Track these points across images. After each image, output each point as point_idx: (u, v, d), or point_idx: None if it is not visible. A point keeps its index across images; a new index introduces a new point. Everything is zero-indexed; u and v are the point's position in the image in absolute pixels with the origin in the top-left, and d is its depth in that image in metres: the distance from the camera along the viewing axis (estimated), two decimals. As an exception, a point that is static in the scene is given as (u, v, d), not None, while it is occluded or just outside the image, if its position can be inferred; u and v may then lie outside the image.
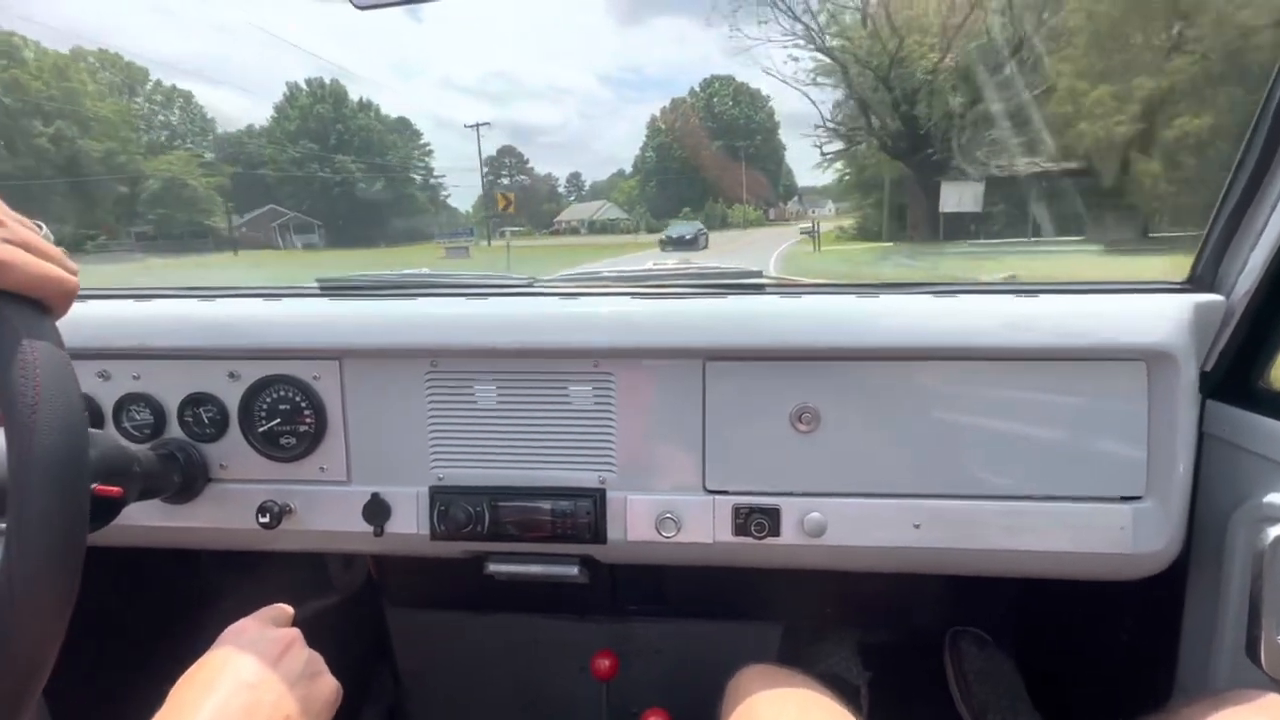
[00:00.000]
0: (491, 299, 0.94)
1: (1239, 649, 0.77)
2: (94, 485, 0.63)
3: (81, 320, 0.85)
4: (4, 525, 0.43)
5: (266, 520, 0.90)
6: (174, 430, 0.93)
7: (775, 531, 0.87)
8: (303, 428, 0.92)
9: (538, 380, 0.89)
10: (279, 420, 0.92)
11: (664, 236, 24.63)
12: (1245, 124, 0.79)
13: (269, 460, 0.92)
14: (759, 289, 0.98)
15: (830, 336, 0.83)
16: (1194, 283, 0.87)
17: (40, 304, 0.48)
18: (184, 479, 0.89)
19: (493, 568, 0.94)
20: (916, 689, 1.33)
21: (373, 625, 1.48)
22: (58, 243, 0.51)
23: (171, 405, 0.92)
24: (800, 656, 1.33)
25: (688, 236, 23.41)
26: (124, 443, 0.75)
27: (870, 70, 19.73)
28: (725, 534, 0.87)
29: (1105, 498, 0.82)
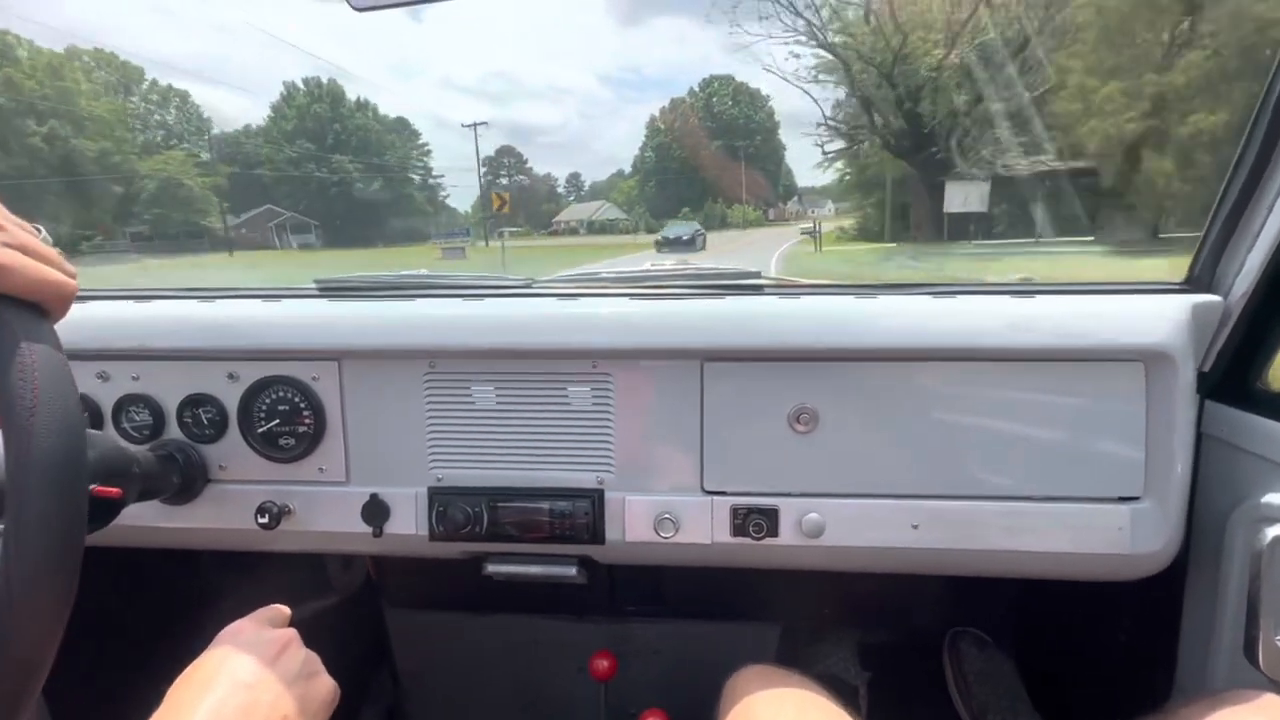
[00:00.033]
0: (490, 300, 0.94)
1: (1237, 649, 0.77)
2: (93, 486, 0.63)
3: (81, 321, 0.85)
4: (2, 527, 0.43)
5: (265, 521, 0.90)
6: (173, 431, 0.93)
7: (773, 532, 0.87)
8: (302, 428, 0.92)
9: (536, 381, 0.89)
10: (278, 421, 0.92)
11: (659, 237, 24.27)
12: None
13: (268, 461, 0.92)
14: (757, 289, 0.98)
15: (829, 337, 0.83)
16: (1192, 283, 0.87)
17: (39, 307, 0.48)
18: (183, 480, 0.89)
19: (491, 568, 0.94)
20: (916, 690, 1.33)
21: (372, 626, 1.48)
22: (54, 244, 0.51)
23: (171, 406, 0.92)
24: (799, 657, 1.33)
25: (684, 237, 23.09)
26: (123, 444, 0.75)
27: (874, 67, 19.45)
28: (723, 534, 0.88)
29: (1103, 498, 0.82)
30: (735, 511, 0.87)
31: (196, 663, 0.53)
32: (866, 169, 22.12)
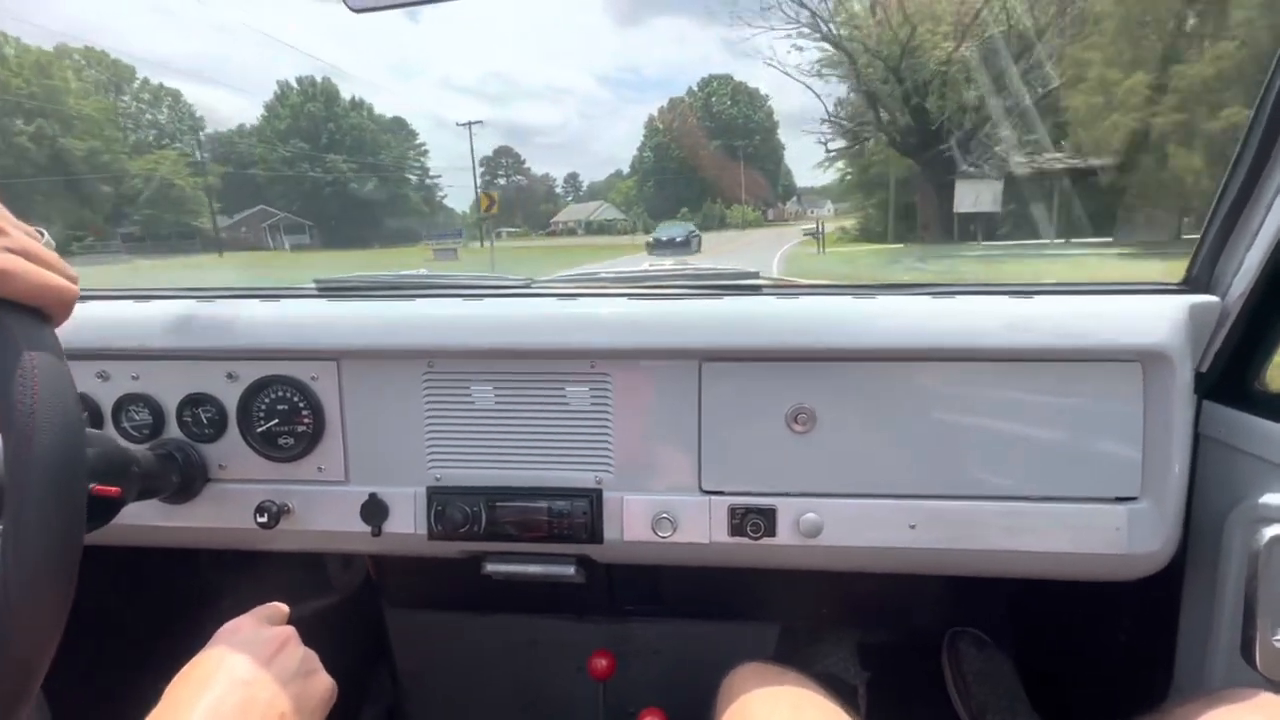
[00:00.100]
0: (488, 300, 0.94)
1: (1234, 649, 0.77)
2: (92, 485, 0.63)
3: (81, 321, 0.84)
4: (1, 526, 0.43)
5: (265, 520, 0.90)
6: (173, 430, 0.93)
7: (771, 532, 0.87)
8: (301, 428, 0.92)
9: (534, 381, 0.89)
10: (277, 420, 0.92)
11: (651, 239, 23.41)
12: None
13: (267, 460, 0.93)
14: (755, 290, 0.98)
15: (827, 337, 0.83)
16: (1190, 284, 0.87)
17: (40, 312, 0.48)
18: (182, 479, 0.89)
19: (490, 567, 0.94)
20: (915, 689, 1.33)
21: (371, 625, 1.48)
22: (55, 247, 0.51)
23: (170, 405, 0.93)
24: (798, 657, 1.33)
25: (678, 239, 22.52)
26: (123, 443, 0.75)
27: (880, 60, 18.80)
28: (721, 534, 0.88)
29: (1100, 498, 0.82)
30: (733, 511, 0.87)
31: (194, 660, 0.53)
32: (869, 168, 21.69)
